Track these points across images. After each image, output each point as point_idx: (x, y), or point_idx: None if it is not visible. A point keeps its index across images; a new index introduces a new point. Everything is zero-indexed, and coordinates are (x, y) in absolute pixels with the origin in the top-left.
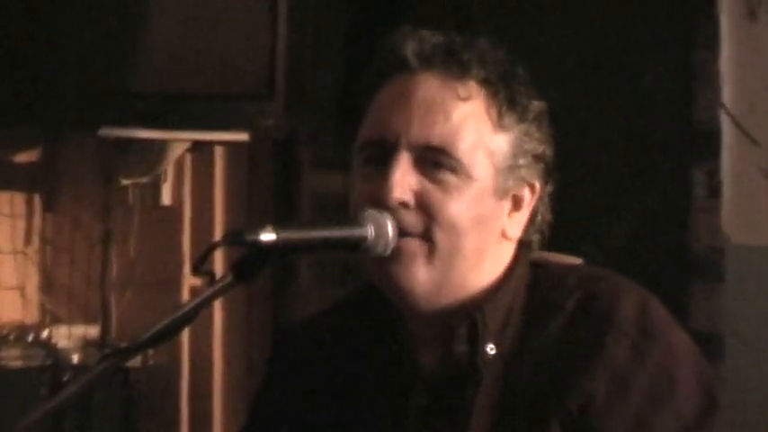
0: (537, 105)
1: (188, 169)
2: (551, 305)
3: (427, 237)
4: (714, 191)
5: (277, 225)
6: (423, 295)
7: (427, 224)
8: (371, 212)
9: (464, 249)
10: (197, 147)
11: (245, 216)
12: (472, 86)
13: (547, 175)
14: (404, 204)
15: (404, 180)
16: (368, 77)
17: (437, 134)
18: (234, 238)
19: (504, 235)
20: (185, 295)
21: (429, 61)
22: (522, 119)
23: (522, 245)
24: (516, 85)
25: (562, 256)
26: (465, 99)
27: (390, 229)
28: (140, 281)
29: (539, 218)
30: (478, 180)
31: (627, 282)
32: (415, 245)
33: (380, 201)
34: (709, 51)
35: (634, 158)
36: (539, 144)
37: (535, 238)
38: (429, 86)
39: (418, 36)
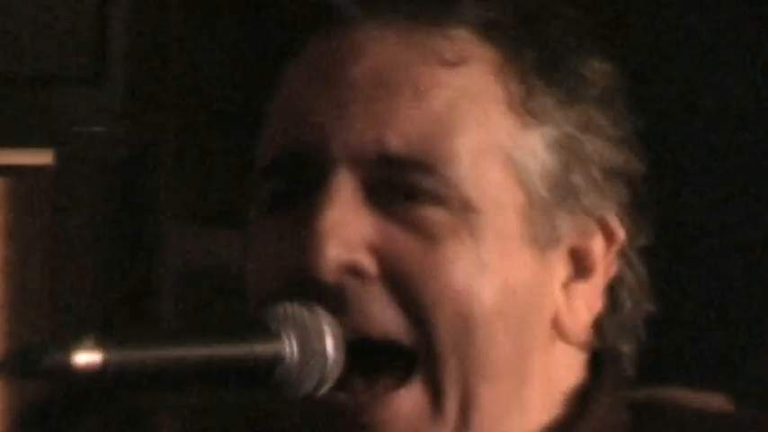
0: (599, 70)
1: None
2: None
3: (421, 358)
4: None
5: (107, 336)
6: None
7: (413, 323)
8: (290, 309)
9: (491, 371)
10: None
11: (49, 313)
12: (467, 38)
13: (636, 208)
14: (355, 272)
15: (349, 223)
16: (271, 46)
17: (403, 132)
18: (18, 363)
19: (558, 331)
20: None
21: (381, 3)
22: (572, 96)
23: (602, 358)
24: (555, 30)
25: (693, 393)
26: (455, 63)
27: (330, 342)
28: None
29: (626, 298)
30: (492, 217)
31: None
32: (410, 392)
33: (300, 273)
34: None
35: None
36: (611, 145)
37: (625, 345)
38: (381, 46)
39: None
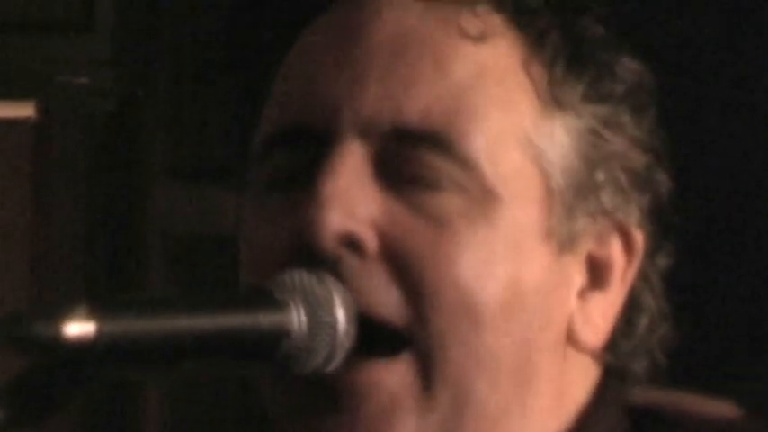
0: (629, 68)
1: None
2: None
3: (414, 339)
4: None
5: (99, 304)
6: None
7: (412, 306)
8: (298, 277)
9: (491, 367)
10: None
11: (31, 275)
12: (492, 17)
13: (658, 219)
14: (353, 245)
15: (354, 194)
16: (276, 17)
17: (420, 104)
18: (4, 334)
19: (571, 339)
20: None
21: None
22: (598, 90)
23: (611, 374)
24: (583, 21)
25: (697, 399)
26: (478, 39)
27: (340, 313)
28: None
29: (641, 320)
30: (510, 205)
31: None
32: (394, 365)
33: (298, 243)
34: None
35: None
36: (636, 148)
37: (638, 363)
38: (402, 14)
39: None
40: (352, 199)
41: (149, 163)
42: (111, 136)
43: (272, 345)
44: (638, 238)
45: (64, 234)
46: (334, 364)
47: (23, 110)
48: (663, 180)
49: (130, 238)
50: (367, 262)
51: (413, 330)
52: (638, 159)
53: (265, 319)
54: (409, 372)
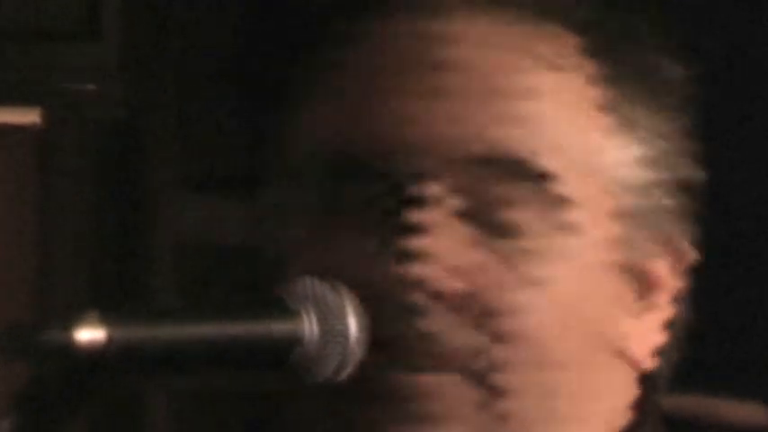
0: (683, 76)
1: None
2: None
3: (481, 369)
4: None
5: (110, 311)
6: None
7: (480, 341)
8: (311, 285)
9: (551, 389)
10: None
11: (37, 284)
12: (559, 36)
13: (695, 224)
14: (441, 297)
15: (439, 244)
16: (286, 26)
17: (494, 133)
18: (14, 341)
19: (625, 358)
20: None
21: None
22: (660, 104)
23: (647, 380)
24: (644, 30)
25: (729, 405)
26: (549, 62)
27: (352, 322)
28: None
29: (676, 322)
30: (584, 237)
31: None
32: (457, 389)
33: (381, 293)
34: None
35: None
36: (688, 158)
37: (669, 363)
38: (472, 34)
39: None
40: (438, 250)
41: (157, 172)
42: (118, 144)
43: (284, 353)
44: (686, 249)
45: (70, 242)
46: (344, 374)
47: (29, 116)
48: (702, 183)
49: (138, 248)
50: (450, 310)
51: (482, 371)
52: (690, 170)
53: (277, 327)
54: (468, 385)
